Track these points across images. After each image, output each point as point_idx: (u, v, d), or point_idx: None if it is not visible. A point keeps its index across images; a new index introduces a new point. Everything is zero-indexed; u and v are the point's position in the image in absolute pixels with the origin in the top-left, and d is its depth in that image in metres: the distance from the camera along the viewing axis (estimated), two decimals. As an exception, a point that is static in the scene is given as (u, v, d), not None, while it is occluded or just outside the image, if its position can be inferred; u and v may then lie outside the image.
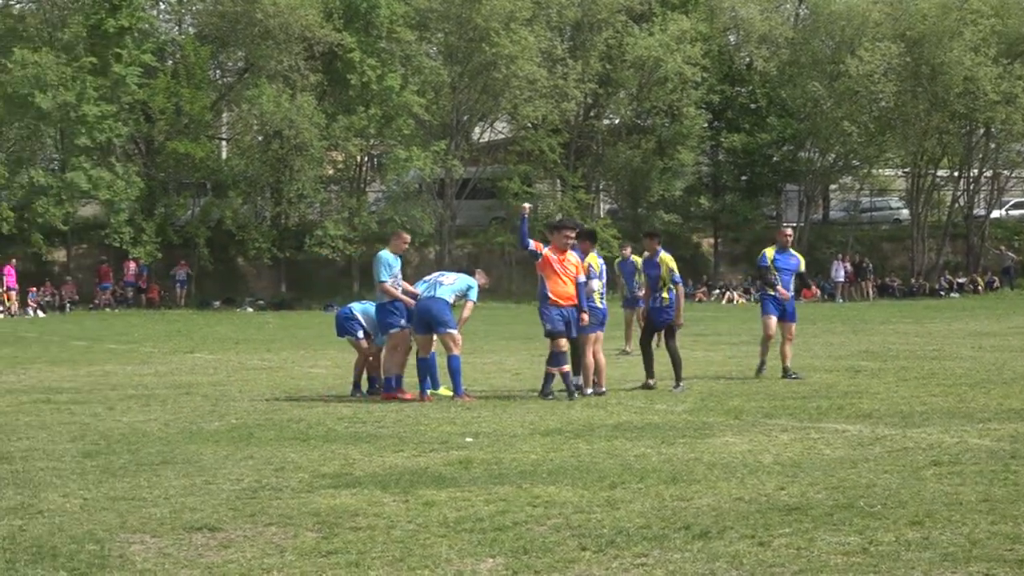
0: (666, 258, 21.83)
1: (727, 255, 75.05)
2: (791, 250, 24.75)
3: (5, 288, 57.64)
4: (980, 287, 70.16)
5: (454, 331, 20.24)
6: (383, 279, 20.38)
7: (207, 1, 68.75)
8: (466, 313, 20.96)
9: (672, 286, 21.67)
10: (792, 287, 24.52)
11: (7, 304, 57.56)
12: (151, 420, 17.78)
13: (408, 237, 21.80)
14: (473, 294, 20.73)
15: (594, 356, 20.55)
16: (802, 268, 24.67)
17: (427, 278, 20.92)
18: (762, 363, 23.92)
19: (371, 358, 21.26)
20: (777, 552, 9.46)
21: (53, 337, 40.16)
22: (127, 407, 19.43)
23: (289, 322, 50.70)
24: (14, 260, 59.27)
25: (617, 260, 32.28)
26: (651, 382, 21.54)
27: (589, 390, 20.41)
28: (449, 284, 20.49)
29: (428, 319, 20.20)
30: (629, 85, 69.46)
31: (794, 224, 71.58)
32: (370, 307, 21.47)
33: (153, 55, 63.14)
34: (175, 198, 64.29)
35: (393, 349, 20.62)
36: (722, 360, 27.86)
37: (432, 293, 20.32)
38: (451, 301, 20.43)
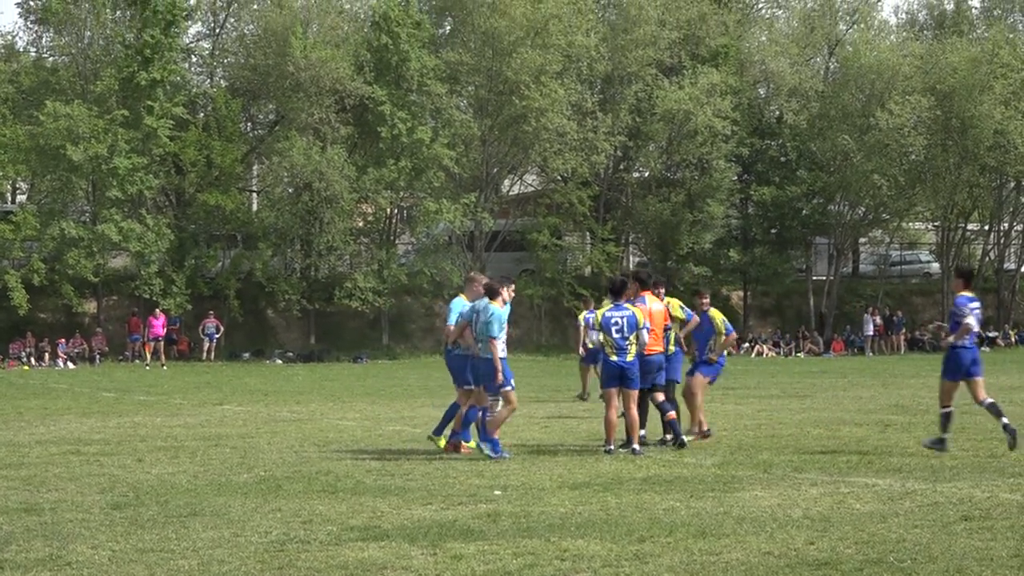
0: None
1: (756, 308, 74.91)
2: None
3: (150, 337, 57.81)
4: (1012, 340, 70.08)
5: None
6: (494, 335, 20.12)
7: (239, 54, 69.27)
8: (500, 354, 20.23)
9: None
10: None
11: (145, 353, 58.16)
12: (180, 472, 17.80)
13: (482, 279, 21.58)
14: (494, 330, 20.17)
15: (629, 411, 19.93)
16: None
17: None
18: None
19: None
20: (806, 607, 9.42)
21: (83, 388, 40.25)
22: (156, 459, 19.45)
23: (318, 374, 50.72)
24: (157, 310, 59.04)
25: (583, 314, 32.91)
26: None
27: (637, 446, 19.68)
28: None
29: (478, 374, 20.22)
30: (659, 138, 69.42)
31: (824, 277, 71.47)
32: None
33: (185, 108, 63.35)
34: (205, 250, 64.30)
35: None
36: (751, 413, 27.76)
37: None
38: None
